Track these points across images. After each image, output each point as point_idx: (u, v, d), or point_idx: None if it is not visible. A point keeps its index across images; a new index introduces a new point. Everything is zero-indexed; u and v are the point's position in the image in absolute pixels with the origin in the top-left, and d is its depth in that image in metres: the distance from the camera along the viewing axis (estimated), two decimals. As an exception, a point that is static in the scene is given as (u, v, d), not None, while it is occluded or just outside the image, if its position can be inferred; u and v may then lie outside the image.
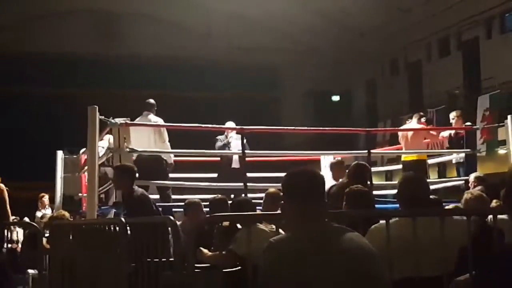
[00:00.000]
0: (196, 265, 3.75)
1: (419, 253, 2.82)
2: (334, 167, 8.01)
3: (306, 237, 2.21)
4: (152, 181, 7.54)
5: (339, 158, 8.61)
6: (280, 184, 2.48)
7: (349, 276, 2.13)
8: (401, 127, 10.05)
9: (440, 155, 10.29)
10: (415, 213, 2.96)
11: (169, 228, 3.34)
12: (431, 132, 9.45)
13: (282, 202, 2.50)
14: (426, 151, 9.66)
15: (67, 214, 6.84)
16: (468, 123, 9.42)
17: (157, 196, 7.74)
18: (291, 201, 2.36)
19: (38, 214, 10.88)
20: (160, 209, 6.10)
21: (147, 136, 7.80)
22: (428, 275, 2.90)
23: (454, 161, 9.74)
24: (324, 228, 2.27)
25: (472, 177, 7.84)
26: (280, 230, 3.03)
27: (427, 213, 3.13)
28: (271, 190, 5.32)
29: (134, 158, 7.57)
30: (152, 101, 8.18)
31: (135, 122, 7.87)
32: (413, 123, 9.49)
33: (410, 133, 9.24)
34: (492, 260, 1.44)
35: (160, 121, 8.02)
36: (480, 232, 3.15)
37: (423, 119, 9.43)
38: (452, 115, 9.77)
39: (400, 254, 2.88)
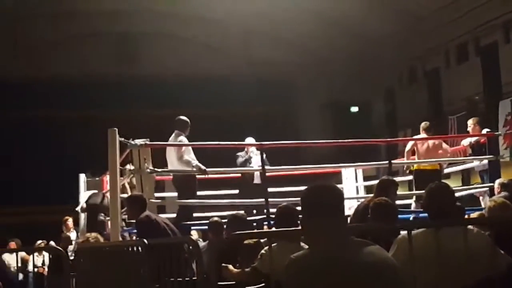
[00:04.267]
0: (220, 283, 3.77)
1: (443, 265, 2.80)
2: None
3: (325, 252, 2.21)
4: (176, 201, 7.60)
5: None
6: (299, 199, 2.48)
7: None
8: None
9: (463, 162, 10.19)
10: (436, 223, 2.93)
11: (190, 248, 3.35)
12: (444, 146, 9.29)
13: (302, 217, 2.50)
14: (448, 159, 9.57)
15: (99, 236, 6.86)
16: (487, 130, 9.31)
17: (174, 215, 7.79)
18: (310, 216, 2.37)
19: (71, 235, 10.96)
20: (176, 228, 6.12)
21: (174, 155, 7.87)
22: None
23: (476, 169, 9.62)
24: (343, 242, 2.26)
25: (496, 183, 7.76)
26: (303, 245, 3.05)
27: (447, 223, 3.09)
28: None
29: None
30: (184, 118, 8.08)
31: (168, 141, 7.96)
32: (422, 135, 9.38)
33: (431, 145, 9.13)
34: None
35: (184, 140, 8.00)
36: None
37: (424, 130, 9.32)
38: (469, 122, 9.65)
39: (426, 265, 2.86)
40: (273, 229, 4.92)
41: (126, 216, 8.16)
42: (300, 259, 2.24)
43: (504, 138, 10.39)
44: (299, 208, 5.65)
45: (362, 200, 9.27)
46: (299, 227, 4.20)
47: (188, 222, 7.78)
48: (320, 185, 2.41)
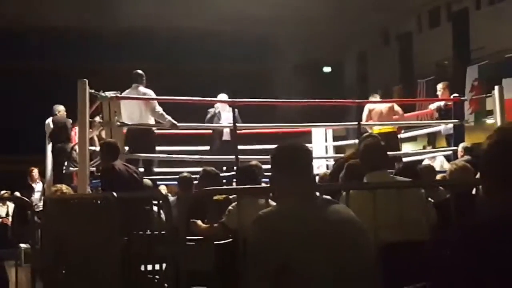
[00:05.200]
0: (188, 237, 3.83)
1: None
2: None
3: (292, 209, 2.26)
4: (140, 154, 7.53)
5: None
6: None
7: (335, 247, 2.18)
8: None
9: (429, 126, 10.38)
10: (399, 184, 3.02)
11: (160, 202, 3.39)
12: (395, 109, 9.47)
13: (271, 175, 2.55)
14: (416, 122, 9.73)
15: (64, 188, 6.83)
16: (455, 94, 9.47)
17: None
18: (279, 174, 2.41)
19: (36, 186, 10.89)
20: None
21: (138, 108, 7.76)
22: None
23: (443, 132, 9.81)
24: (311, 200, 2.32)
25: (460, 147, 7.95)
26: (271, 202, 3.10)
27: (412, 185, 3.20)
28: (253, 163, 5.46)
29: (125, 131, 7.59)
30: (140, 72, 8.01)
31: (124, 94, 7.84)
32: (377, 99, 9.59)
33: (384, 109, 9.29)
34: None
35: (149, 92, 7.88)
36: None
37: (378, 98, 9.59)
38: (439, 86, 9.81)
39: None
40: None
41: (94, 168, 8.15)
42: (268, 216, 2.29)
43: (470, 103, 10.55)
44: (262, 166, 5.70)
45: (331, 159, 9.47)
46: (263, 185, 4.27)
47: (154, 177, 7.77)
48: (289, 144, 2.45)
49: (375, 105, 9.40)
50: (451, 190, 3.34)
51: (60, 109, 9.35)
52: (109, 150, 5.94)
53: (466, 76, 12.62)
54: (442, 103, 9.57)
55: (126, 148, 7.43)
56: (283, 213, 2.27)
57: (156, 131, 8.02)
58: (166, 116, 7.70)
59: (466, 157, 7.03)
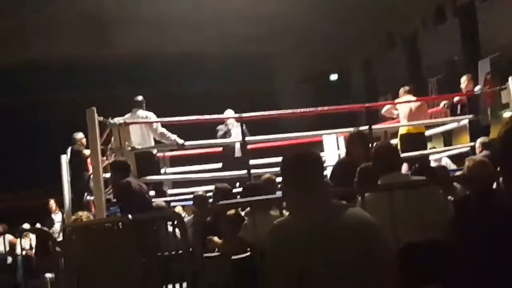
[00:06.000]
0: (206, 254, 3.80)
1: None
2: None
3: (308, 217, 2.23)
4: (152, 178, 7.55)
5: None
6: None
7: (353, 250, 2.15)
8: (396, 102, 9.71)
9: (443, 124, 10.22)
10: (415, 182, 2.98)
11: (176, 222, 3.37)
12: (424, 108, 9.22)
13: (283, 185, 2.52)
14: (428, 121, 9.55)
15: (85, 216, 6.79)
16: (479, 86, 9.26)
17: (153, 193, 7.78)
18: (290, 184, 2.38)
19: (56, 217, 10.97)
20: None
21: (139, 132, 7.78)
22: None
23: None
24: (325, 206, 2.29)
25: (478, 142, 7.77)
26: (285, 212, 3.07)
27: (429, 182, 3.15)
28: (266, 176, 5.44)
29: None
30: (140, 97, 8.11)
31: (125, 120, 7.87)
32: (406, 97, 9.20)
33: (413, 107, 9.04)
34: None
35: (150, 115, 7.94)
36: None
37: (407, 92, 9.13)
38: (463, 79, 9.48)
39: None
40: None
41: (110, 196, 8.17)
42: (283, 224, 2.27)
43: (484, 96, 10.37)
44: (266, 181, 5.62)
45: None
46: (280, 196, 4.23)
47: (169, 199, 7.78)
48: (296, 154, 2.42)
49: (404, 101, 8.97)
50: (470, 186, 3.29)
51: (79, 137, 9.33)
52: (120, 168, 5.92)
53: (478, 70, 12.43)
54: (455, 99, 9.42)
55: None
56: (299, 220, 2.24)
57: (167, 153, 8.04)
58: (171, 135, 7.72)
59: (485, 152, 6.89)
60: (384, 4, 17.34)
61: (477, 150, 7.67)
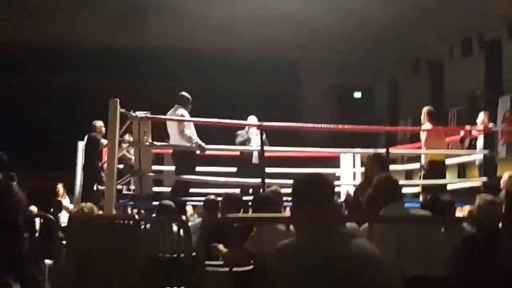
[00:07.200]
0: (209, 262, 3.83)
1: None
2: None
3: (312, 243, 2.24)
4: (174, 176, 7.66)
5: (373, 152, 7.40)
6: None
7: (352, 282, 2.16)
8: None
9: (459, 155, 10.17)
10: (427, 219, 2.99)
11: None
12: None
13: (292, 205, 2.54)
14: (445, 151, 9.49)
15: (90, 206, 6.85)
16: (493, 124, 9.22)
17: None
18: (299, 205, 2.40)
19: (64, 201, 11.05)
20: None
21: (173, 129, 7.90)
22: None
23: (477, 163, 9.48)
24: (330, 234, 2.30)
25: (506, 176, 7.63)
26: (292, 228, 3.10)
27: (438, 221, 3.15)
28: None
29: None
30: (185, 94, 8.14)
31: (166, 115, 7.99)
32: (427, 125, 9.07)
33: (441, 134, 8.95)
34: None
35: (186, 114, 8.00)
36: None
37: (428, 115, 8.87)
38: (481, 115, 9.38)
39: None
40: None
41: (121, 187, 8.24)
42: (287, 248, 2.29)
43: (502, 134, 10.34)
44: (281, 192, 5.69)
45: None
46: (286, 213, 4.26)
47: (184, 198, 7.83)
48: (309, 176, 2.44)
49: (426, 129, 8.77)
50: (478, 225, 3.29)
51: (99, 125, 9.42)
52: None
53: (498, 106, 12.43)
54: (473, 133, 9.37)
55: (154, 167, 7.53)
56: (302, 246, 2.25)
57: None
58: (194, 138, 7.79)
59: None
60: (414, 30, 17.35)
61: (502, 185, 7.58)
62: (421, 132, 8.91)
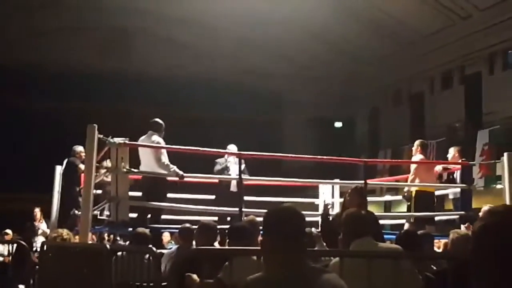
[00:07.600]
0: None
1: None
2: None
3: (281, 278, 2.23)
4: (151, 203, 7.57)
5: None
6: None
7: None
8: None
9: (437, 188, 10.23)
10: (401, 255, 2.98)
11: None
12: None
13: (262, 237, 2.53)
14: (426, 184, 9.55)
15: (65, 233, 6.68)
16: (464, 159, 9.36)
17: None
18: (270, 238, 2.39)
19: (40, 226, 10.90)
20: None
21: (151, 156, 7.83)
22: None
23: (451, 196, 9.65)
24: (300, 268, 2.29)
25: (485, 208, 7.68)
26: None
27: (411, 256, 3.16)
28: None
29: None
30: (159, 121, 8.08)
31: (138, 141, 7.94)
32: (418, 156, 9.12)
33: (431, 165, 9.05)
34: None
35: (161, 142, 7.97)
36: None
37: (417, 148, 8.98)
38: (451, 150, 9.63)
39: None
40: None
41: (97, 212, 8.15)
42: (256, 282, 2.27)
43: (479, 167, 10.47)
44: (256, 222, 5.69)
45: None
46: (258, 246, 4.25)
47: (158, 225, 7.75)
48: (281, 209, 2.45)
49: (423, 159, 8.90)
50: (450, 261, 3.29)
51: (78, 150, 9.34)
52: None
53: (476, 139, 12.60)
54: (449, 166, 9.47)
55: (130, 194, 7.46)
56: (271, 281, 2.24)
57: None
58: (171, 166, 7.74)
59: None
60: (396, 62, 17.62)
61: (481, 215, 7.61)
62: (411, 164, 9.00)
